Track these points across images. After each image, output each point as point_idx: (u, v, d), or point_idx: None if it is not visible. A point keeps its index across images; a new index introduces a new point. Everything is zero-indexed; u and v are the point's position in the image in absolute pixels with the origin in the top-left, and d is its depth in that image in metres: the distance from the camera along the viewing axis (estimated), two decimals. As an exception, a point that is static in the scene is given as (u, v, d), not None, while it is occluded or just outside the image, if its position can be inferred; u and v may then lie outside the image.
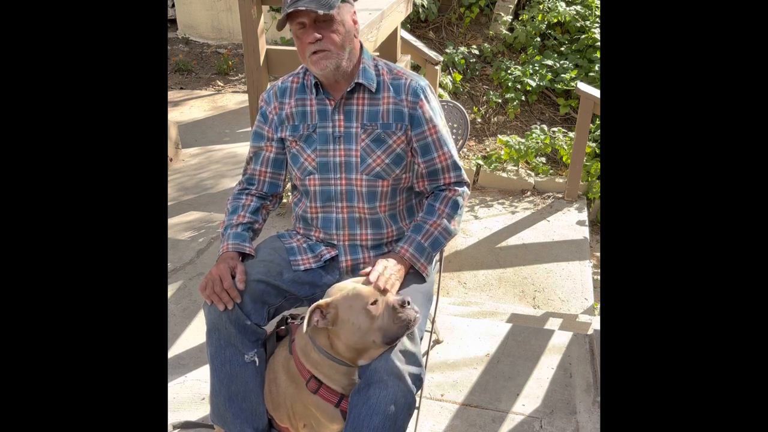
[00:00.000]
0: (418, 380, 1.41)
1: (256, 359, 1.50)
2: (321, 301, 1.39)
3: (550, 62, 5.01)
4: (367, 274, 1.43)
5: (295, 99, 1.60)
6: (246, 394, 1.51)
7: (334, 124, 1.55)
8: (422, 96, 1.55)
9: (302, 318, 1.52)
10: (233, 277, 1.48)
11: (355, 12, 1.52)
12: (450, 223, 1.58)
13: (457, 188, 1.62)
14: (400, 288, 1.49)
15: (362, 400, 1.36)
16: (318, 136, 1.56)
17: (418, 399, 1.59)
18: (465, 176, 1.64)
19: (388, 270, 1.45)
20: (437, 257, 1.97)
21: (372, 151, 1.54)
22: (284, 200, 3.52)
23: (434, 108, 1.58)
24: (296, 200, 1.69)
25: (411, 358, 1.40)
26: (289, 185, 1.73)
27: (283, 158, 1.66)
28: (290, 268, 1.58)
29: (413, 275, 1.56)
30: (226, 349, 1.48)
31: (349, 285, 1.41)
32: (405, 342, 1.40)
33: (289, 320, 1.61)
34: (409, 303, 1.36)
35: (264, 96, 1.66)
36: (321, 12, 1.40)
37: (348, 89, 1.53)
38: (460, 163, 1.63)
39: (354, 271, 1.61)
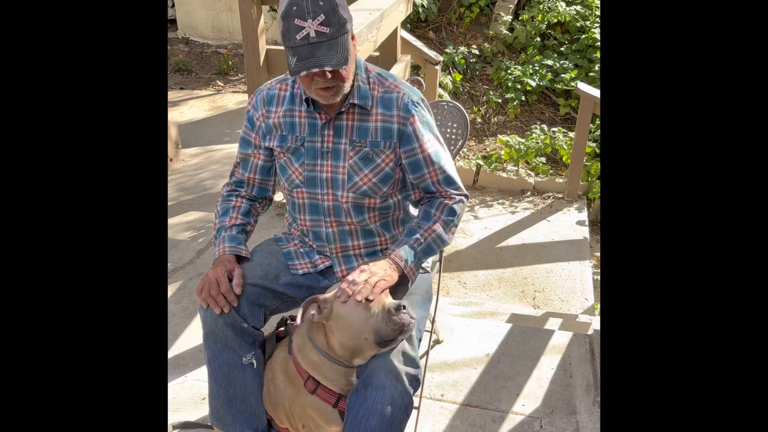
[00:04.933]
0: (416, 381, 1.41)
1: (254, 361, 1.50)
2: (317, 296, 1.40)
3: (550, 62, 5.00)
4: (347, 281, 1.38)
5: (284, 109, 1.54)
6: (245, 396, 1.51)
7: (323, 140, 1.51)
8: (414, 112, 1.49)
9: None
10: (230, 279, 1.47)
11: (353, 35, 1.45)
12: (445, 231, 1.52)
13: (454, 196, 1.56)
14: (397, 289, 1.47)
15: (359, 402, 1.36)
16: (306, 150, 1.52)
17: (416, 400, 1.60)
18: (463, 189, 1.58)
19: (373, 277, 1.38)
20: (436, 258, 1.97)
21: (359, 170, 1.50)
22: (284, 201, 3.52)
23: (427, 123, 1.53)
24: (289, 207, 1.66)
25: (408, 359, 1.40)
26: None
27: (271, 165, 1.62)
28: (288, 272, 1.57)
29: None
30: (224, 352, 1.48)
31: None
32: (403, 344, 1.40)
33: (288, 321, 1.62)
34: (404, 308, 1.35)
35: (252, 101, 1.60)
36: (340, 69, 1.35)
37: (341, 109, 1.48)
38: (456, 177, 1.57)
39: None
